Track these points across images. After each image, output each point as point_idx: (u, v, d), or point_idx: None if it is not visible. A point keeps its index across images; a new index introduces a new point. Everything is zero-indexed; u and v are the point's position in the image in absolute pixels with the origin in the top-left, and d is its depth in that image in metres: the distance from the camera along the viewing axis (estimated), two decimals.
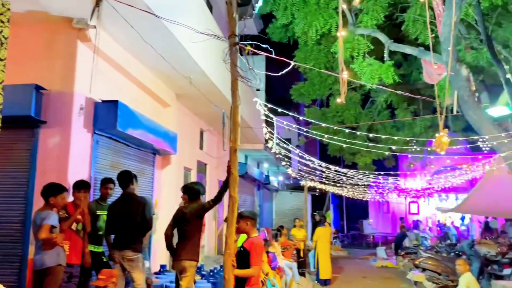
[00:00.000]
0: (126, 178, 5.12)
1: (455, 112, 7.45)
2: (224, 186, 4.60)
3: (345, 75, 4.36)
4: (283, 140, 8.36)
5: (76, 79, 5.37)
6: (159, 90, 7.80)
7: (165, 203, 8.02)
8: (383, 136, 8.66)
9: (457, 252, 11.46)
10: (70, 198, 4.99)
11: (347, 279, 12.06)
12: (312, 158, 9.06)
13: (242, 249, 4.76)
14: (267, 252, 8.52)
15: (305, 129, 7.33)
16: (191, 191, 5.33)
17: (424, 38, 9.13)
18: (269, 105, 6.58)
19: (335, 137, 7.29)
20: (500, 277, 9.56)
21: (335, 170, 10.37)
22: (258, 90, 14.90)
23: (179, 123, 8.84)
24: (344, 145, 8.34)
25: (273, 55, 5.46)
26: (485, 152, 10.71)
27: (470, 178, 13.69)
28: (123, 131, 5.92)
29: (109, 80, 6.27)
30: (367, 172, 11.62)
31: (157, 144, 7.28)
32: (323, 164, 9.57)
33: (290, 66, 5.54)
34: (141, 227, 4.96)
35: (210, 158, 11.38)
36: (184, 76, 7.42)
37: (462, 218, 22.20)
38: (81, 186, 4.99)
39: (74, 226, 4.84)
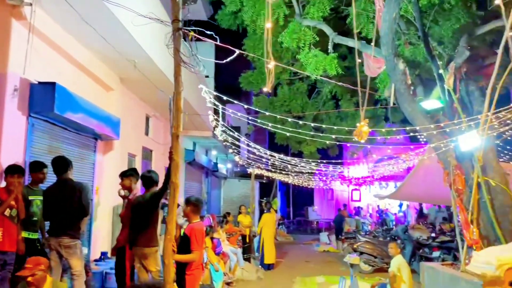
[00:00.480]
0: (62, 164, 4.98)
1: (391, 104, 7.85)
2: (168, 173, 4.62)
3: (270, 65, 4.49)
4: (229, 127, 8.42)
5: (10, 58, 5.10)
6: (102, 74, 7.56)
7: (107, 190, 7.85)
8: (324, 126, 8.93)
9: (392, 237, 12.19)
10: (3, 184, 4.79)
11: (291, 263, 12.45)
12: (257, 146, 9.21)
13: (183, 235, 4.84)
14: (212, 238, 8.63)
15: (250, 118, 7.40)
16: (147, 179, 5.35)
17: (367, 32, 9.49)
18: (215, 93, 6.60)
19: (279, 126, 7.43)
20: (430, 259, 10.30)
21: (280, 158, 10.60)
22: (207, 76, 14.81)
23: (123, 108, 8.64)
24: (288, 134, 8.54)
25: (217, 42, 5.49)
26: (422, 142, 11.38)
27: (406, 167, 14.49)
28: (61, 115, 5.71)
29: (47, 61, 6.01)
30: (310, 160, 11.96)
31: (98, 129, 7.09)
32: (268, 152, 9.74)
33: (235, 54, 5.60)
34: (78, 213, 4.86)
35: (157, 144, 11.22)
36: (128, 60, 7.24)
37: (400, 205, 23.48)
38: (15, 170, 4.79)
39: (7, 212, 4.66)
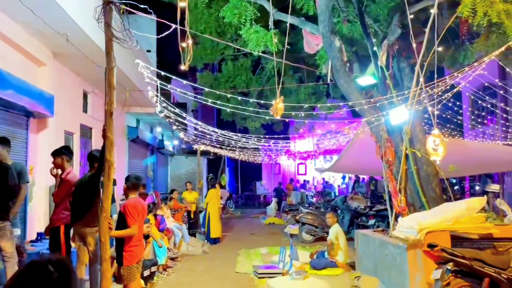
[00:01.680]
0: None
1: (328, 81, 8.09)
2: (103, 151, 4.57)
3: (184, 44, 4.54)
4: (169, 103, 8.32)
5: None
6: (32, 48, 7.16)
7: (43, 169, 7.57)
8: (262, 102, 9.07)
9: (333, 207, 12.79)
10: None
11: (236, 236, 12.73)
12: (199, 122, 9.19)
13: (118, 213, 4.86)
14: (155, 215, 8.64)
15: (190, 94, 7.33)
16: (91, 157, 5.28)
17: (308, 8, 9.63)
18: (152, 68, 6.48)
19: (219, 102, 7.44)
20: (367, 227, 10.95)
21: (222, 134, 10.66)
22: (149, 51, 14.42)
23: (58, 84, 8.27)
24: (228, 110, 8.60)
25: (152, 16, 5.39)
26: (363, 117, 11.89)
27: (347, 140, 15.11)
28: None
29: None
30: (253, 136, 12.15)
31: (30, 106, 6.77)
32: (210, 128, 9.76)
33: (171, 29, 5.54)
34: (6, 194, 4.69)
35: (96, 121, 10.87)
36: (59, 33, 6.91)
37: (343, 177, 24.49)
38: None
39: None
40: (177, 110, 8.42)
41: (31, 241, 6.68)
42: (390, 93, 7.91)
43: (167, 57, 16.94)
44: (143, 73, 7.20)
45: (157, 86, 8.03)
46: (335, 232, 8.20)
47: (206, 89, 7.78)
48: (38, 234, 6.83)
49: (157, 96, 7.56)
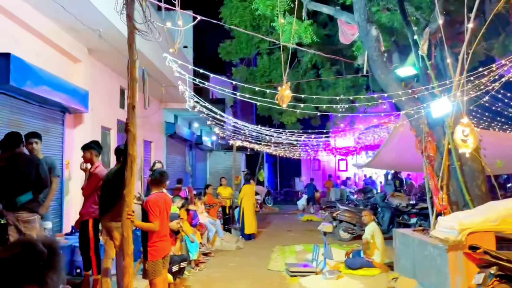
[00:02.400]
0: (12, 140, 4.80)
1: (364, 72, 7.71)
2: (126, 145, 4.54)
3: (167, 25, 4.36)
4: (200, 98, 8.24)
5: None
6: (66, 44, 7.30)
7: (79, 163, 7.72)
8: (302, 96, 8.77)
9: (373, 204, 12.31)
10: None
11: (272, 232, 12.56)
12: (230, 117, 9.07)
13: (142, 208, 4.83)
14: (188, 210, 8.63)
15: (217, 87, 7.21)
16: (119, 152, 5.32)
17: None
18: (180, 62, 6.41)
19: (247, 96, 7.24)
20: (408, 226, 10.44)
21: (252, 129, 10.47)
22: (185, 47, 14.49)
23: (94, 80, 8.41)
24: (258, 103, 8.40)
25: (177, 9, 5.29)
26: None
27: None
28: (19, 87, 5.52)
29: (2, 32, 5.76)
30: (285, 131, 11.89)
31: (65, 102, 6.90)
32: (240, 122, 9.60)
33: (195, 21, 5.44)
34: (36, 187, 4.76)
35: None
36: (92, 29, 7.00)
37: (387, 173, 23.62)
38: None
39: None
40: (207, 105, 8.34)
41: (66, 234, 6.83)
42: (431, 84, 7.42)
43: (205, 53, 17.00)
44: (173, 68, 7.16)
45: (188, 81, 7.99)
46: (371, 230, 7.83)
47: (234, 83, 7.62)
48: (72, 227, 6.98)
49: (187, 91, 7.51)
